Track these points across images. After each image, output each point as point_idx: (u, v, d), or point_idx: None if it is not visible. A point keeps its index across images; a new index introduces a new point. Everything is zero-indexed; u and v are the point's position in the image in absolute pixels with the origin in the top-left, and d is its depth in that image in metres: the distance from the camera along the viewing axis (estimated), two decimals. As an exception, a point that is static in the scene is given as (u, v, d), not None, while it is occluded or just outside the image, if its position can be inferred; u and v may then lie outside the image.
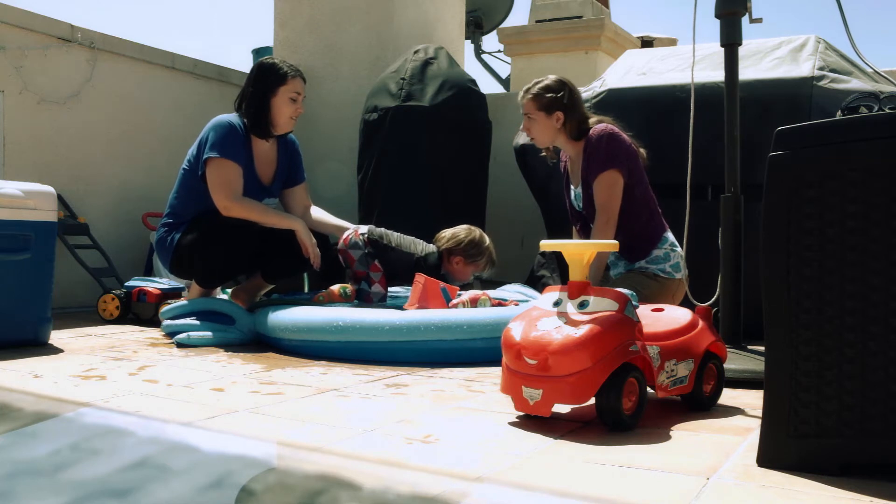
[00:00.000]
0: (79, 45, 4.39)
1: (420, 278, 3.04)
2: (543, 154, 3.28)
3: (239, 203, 3.17)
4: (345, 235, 3.30)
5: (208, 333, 3.02)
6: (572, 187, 3.23)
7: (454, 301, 3.02)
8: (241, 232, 3.18)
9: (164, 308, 3.23)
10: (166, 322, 3.15)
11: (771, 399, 1.48)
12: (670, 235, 3.09)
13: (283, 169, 3.44)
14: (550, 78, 3.13)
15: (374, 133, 4.30)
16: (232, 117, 3.27)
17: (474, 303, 3.00)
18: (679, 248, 2.88)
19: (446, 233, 3.40)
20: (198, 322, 3.08)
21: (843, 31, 2.31)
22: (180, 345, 2.99)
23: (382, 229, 3.38)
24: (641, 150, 3.12)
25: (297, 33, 5.43)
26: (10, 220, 2.78)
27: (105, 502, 1.33)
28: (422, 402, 2.05)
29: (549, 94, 3.07)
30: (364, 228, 3.32)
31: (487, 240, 3.40)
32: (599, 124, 3.07)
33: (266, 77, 3.27)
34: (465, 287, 3.38)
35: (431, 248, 3.36)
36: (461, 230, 3.39)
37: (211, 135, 3.21)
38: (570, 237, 3.40)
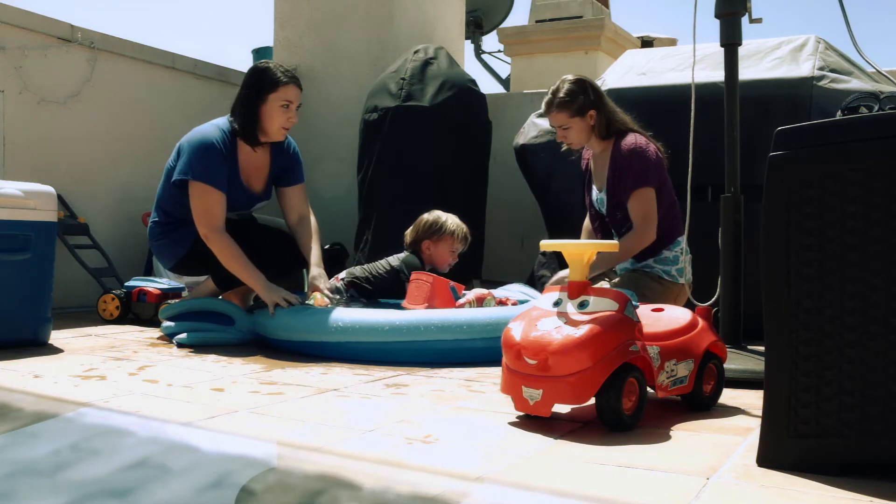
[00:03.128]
0: (79, 45, 4.39)
1: (427, 277, 3.04)
2: (565, 149, 3.25)
3: (217, 238, 3.04)
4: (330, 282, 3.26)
5: (208, 333, 3.02)
6: (595, 188, 3.21)
7: (460, 301, 3.02)
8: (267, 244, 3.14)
9: (164, 307, 3.22)
10: (166, 323, 3.15)
11: (771, 399, 1.48)
12: (683, 240, 3.08)
13: (278, 173, 3.33)
14: (568, 80, 3.07)
15: (374, 133, 4.30)
16: (212, 130, 3.14)
17: (480, 301, 3.00)
18: (689, 254, 2.88)
19: (409, 229, 3.41)
20: (197, 322, 3.08)
21: (845, 31, 2.31)
22: (180, 345, 2.99)
23: (356, 268, 3.37)
24: (663, 152, 3.11)
25: (297, 33, 5.43)
26: (10, 220, 2.78)
27: (105, 502, 1.33)
28: (422, 402, 2.05)
29: (578, 98, 3.03)
30: (343, 273, 3.30)
31: (444, 216, 3.37)
32: (629, 136, 3.03)
33: (258, 82, 3.14)
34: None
35: (403, 254, 3.35)
36: (421, 216, 3.39)
37: (187, 154, 3.09)
38: (571, 236, 3.39)
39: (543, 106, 3.12)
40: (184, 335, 3.01)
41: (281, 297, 2.97)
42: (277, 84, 3.11)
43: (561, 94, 3.05)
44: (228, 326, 3.08)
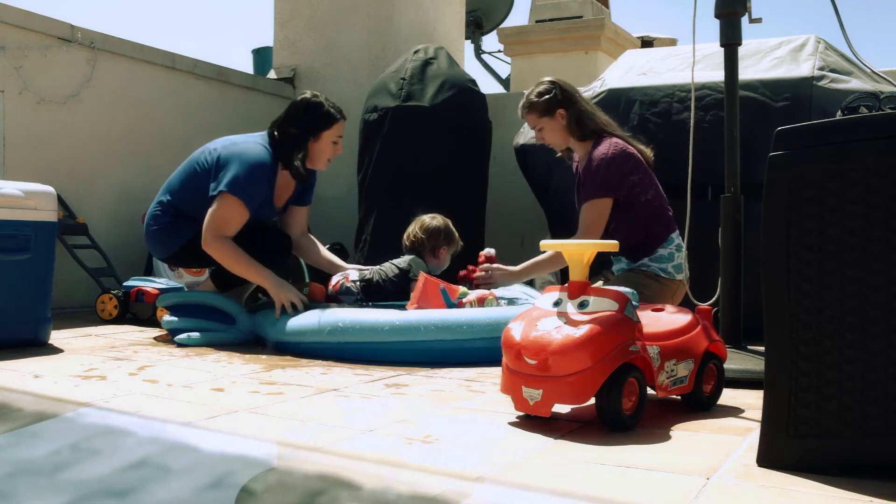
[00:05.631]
0: (79, 45, 4.39)
1: (421, 277, 3.04)
2: (559, 154, 3.27)
3: (219, 244, 3.04)
4: (334, 281, 3.25)
5: (209, 334, 3.02)
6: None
7: (463, 300, 3.01)
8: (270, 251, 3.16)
9: (163, 295, 3.20)
10: (167, 317, 3.13)
11: (771, 399, 1.48)
12: (677, 237, 3.08)
13: (297, 193, 3.39)
14: (539, 83, 3.14)
15: (374, 133, 4.30)
16: (262, 152, 3.15)
17: (482, 302, 3.00)
18: (684, 250, 2.88)
19: (417, 234, 3.35)
20: (198, 321, 3.07)
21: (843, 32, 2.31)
22: (180, 344, 2.99)
23: (367, 270, 3.36)
24: (648, 152, 3.10)
25: (297, 33, 5.43)
26: (10, 220, 2.78)
27: (105, 502, 1.33)
28: (422, 402, 2.05)
29: (544, 98, 3.08)
30: (354, 275, 3.29)
31: (447, 221, 3.42)
32: (604, 143, 3.03)
33: (311, 118, 3.18)
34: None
35: (407, 257, 3.34)
36: (428, 224, 3.37)
37: (236, 169, 3.07)
38: (572, 236, 3.39)
39: (519, 110, 3.19)
40: (185, 336, 3.01)
41: (290, 297, 2.98)
42: (332, 122, 3.19)
43: (531, 97, 3.11)
44: (229, 326, 3.08)
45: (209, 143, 3.27)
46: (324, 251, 3.46)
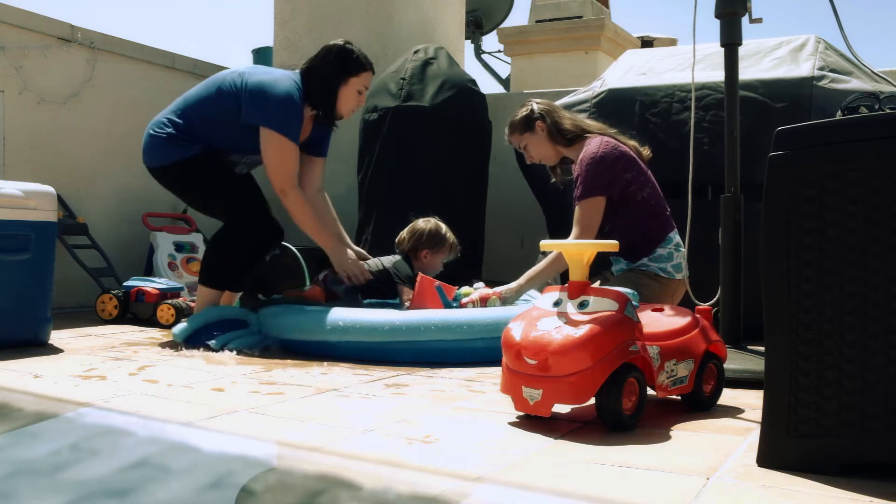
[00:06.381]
0: (79, 45, 4.39)
1: (419, 276, 3.05)
2: (554, 181, 3.30)
3: (295, 195, 3.08)
4: (321, 275, 3.24)
5: (240, 339, 2.91)
6: None
7: (464, 300, 3.01)
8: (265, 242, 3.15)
9: (178, 329, 3.00)
10: (176, 330, 3.00)
11: (771, 399, 1.48)
12: (676, 236, 3.08)
13: (312, 140, 3.37)
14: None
15: (374, 133, 4.30)
16: (292, 86, 3.14)
17: (484, 302, 2.99)
18: (683, 249, 2.88)
19: (404, 234, 3.39)
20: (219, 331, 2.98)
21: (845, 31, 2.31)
22: (214, 349, 2.85)
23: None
24: (643, 150, 3.10)
25: (297, 33, 5.43)
26: (10, 220, 2.78)
27: (105, 502, 1.33)
28: (422, 402, 2.05)
29: (519, 117, 3.18)
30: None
31: (443, 227, 3.41)
32: (592, 143, 3.03)
33: (342, 63, 3.19)
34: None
35: (395, 257, 3.34)
36: (419, 224, 3.39)
37: (271, 103, 3.07)
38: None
39: (505, 140, 3.30)
40: (214, 341, 2.88)
41: (353, 269, 3.09)
42: (360, 70, 3.21)
43: (510, 121, 3.22)
44: (250, 330, 2.99)
45: (235, 68, 3.27)
46: (335, 218, 3.44)
